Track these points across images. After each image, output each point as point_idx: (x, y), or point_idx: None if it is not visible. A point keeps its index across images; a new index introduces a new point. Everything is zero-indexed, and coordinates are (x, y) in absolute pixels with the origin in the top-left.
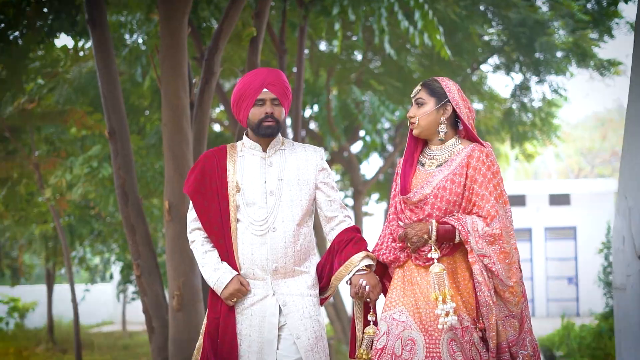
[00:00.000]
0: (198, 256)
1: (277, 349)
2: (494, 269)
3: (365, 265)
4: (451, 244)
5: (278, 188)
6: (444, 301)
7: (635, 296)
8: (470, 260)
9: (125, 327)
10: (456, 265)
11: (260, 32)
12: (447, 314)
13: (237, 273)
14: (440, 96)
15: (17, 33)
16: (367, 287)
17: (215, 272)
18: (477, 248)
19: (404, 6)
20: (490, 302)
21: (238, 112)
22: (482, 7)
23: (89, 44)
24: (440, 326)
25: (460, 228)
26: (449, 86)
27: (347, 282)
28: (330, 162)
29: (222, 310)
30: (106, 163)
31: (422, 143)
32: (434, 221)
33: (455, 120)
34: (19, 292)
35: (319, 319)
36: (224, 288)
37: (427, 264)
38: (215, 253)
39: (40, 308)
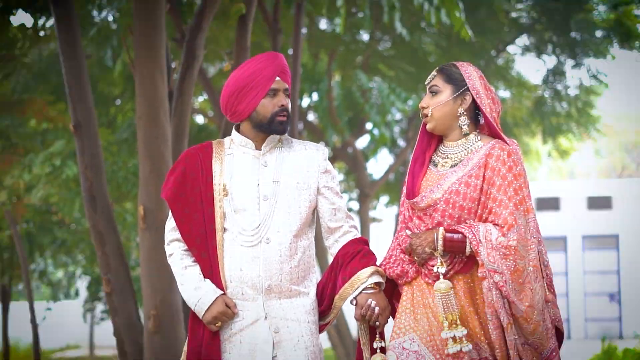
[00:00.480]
0: (176, 272)
1: None
2: (504, 289)
3: (374, 283)
4: (464, 257)
5: (273, 192)
6: (450, 326)
7: None
8: (479, 274)
9: (92, 351)
10: (474, 285)
11: (250, 9)
12: (455, 340)
13: (222, 292)
14: (458, 83)
15: None
16: (376, 309)
17: (196, 292)
18: (488, 261)
19: None
20: (491, 327)
21: (237, 103)
22: None
23: (50, 22)
24: (448, 350)
25: (470, 236)
26: (469, 72)
27: (351, 302)
28: (332, 160)
29: (205, 337)
30: (71, 161)
31: (436, 140)
32: (441, 229)
33: (475, 112)
34: None
35: (316, 351)
36: (207, 310)
37: (436, 281)
38: (197, 269)
39: None
